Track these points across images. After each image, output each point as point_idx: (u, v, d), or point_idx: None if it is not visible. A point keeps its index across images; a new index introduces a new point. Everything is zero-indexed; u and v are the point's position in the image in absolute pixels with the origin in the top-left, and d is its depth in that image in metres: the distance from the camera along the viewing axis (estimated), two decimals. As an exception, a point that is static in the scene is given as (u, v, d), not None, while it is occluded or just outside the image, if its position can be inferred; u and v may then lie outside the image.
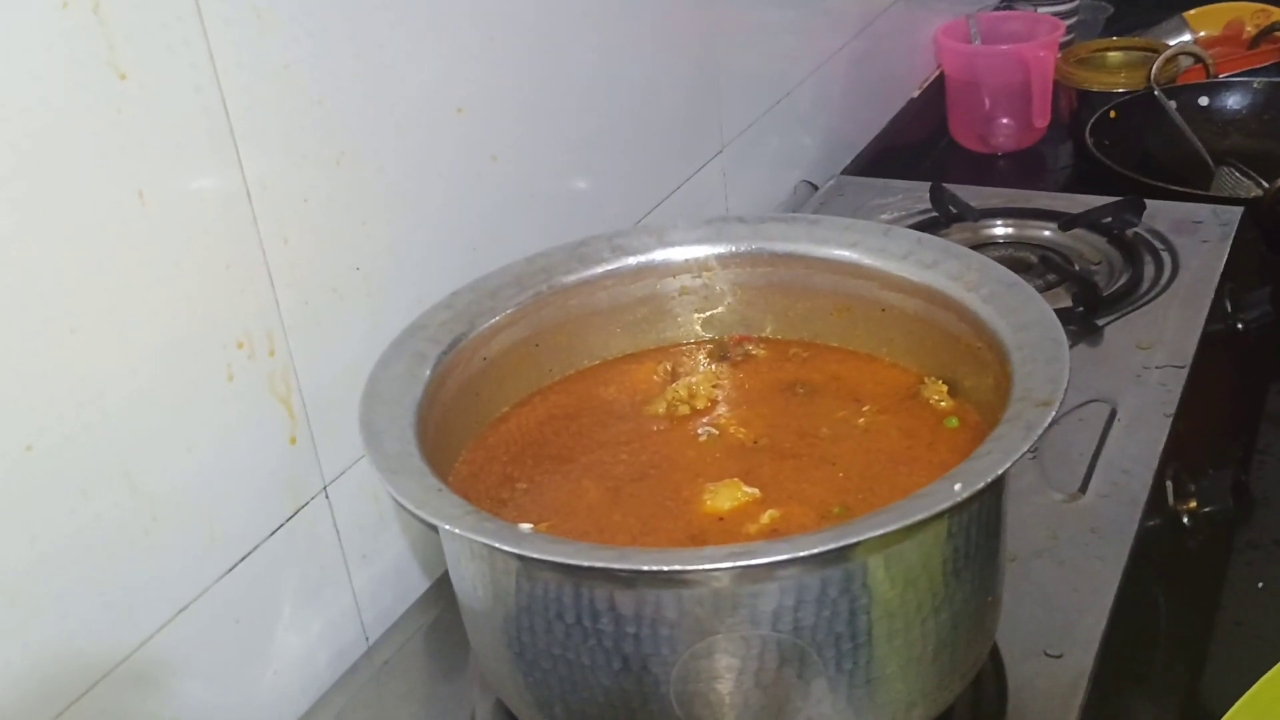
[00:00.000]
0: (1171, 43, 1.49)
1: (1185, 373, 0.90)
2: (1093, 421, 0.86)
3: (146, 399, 0.59)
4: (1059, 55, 1.44)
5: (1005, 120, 1.39)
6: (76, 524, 0.56)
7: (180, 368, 0.60)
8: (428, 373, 0.65)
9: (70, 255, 0.54)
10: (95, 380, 0.56)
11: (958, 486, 0.52)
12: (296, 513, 0.69)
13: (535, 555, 0.53)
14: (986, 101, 1.40)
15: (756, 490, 0.64)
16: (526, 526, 0.60)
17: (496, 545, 0.53)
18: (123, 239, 0.56)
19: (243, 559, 0.66)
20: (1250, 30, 1.54)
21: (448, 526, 0.54)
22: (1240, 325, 1.05)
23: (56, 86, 0.53)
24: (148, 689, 0.61)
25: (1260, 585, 0.84)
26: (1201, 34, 1.56)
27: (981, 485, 0.52)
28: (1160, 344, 0.94)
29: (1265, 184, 1.22)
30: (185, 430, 0.61)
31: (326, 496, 0.71)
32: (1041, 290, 1.01)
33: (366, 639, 0.75)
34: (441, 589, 0.77)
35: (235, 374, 0.63)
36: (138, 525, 0.59)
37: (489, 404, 0.72)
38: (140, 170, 0.57)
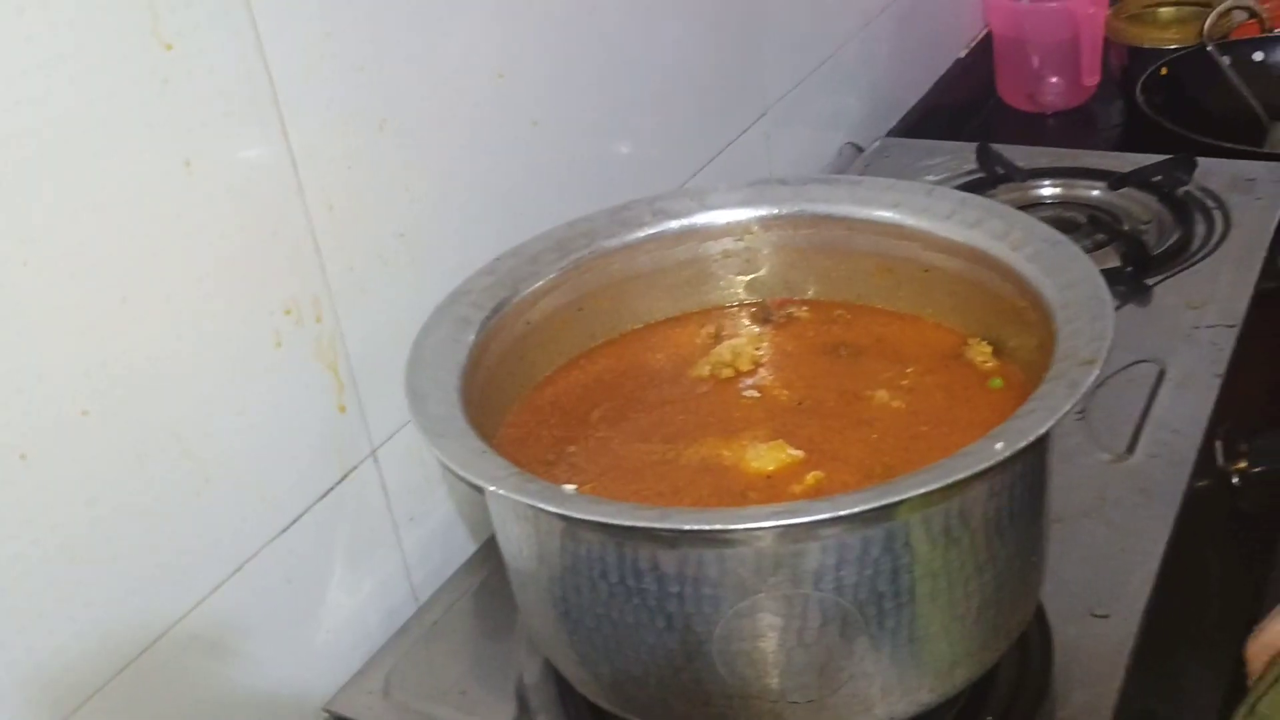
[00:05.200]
0: (1225, -4, 1.45)
1: (1236, 332, 0.89)
2: (1141, 382, 0.85)
3: (197, 365, 0.60)
4: (1109, 11, 1.41)
5: (1054, 79, 1.37)
6: (132, 487, 0.58)
7: (229, 334, 0.62)
8: (472, 338, 0.66)
9: (119, 225, 0.55)
10: (147, 347, 0.57)
11: (999, 445, 0.51)
12: (345, 476, 0.70)
13: (578, 515, 0.54)
14: (1035, 59, 1.38)
15: (800, 452, 0.64)
16: (570, 487, 0.61)
17: (540, 506, 0.54)
18: (170, 208, 0.57)
19: (294, 521, 0.67)
20: (1308, -18, 1.50)
21: (492, 488, 0.54)
22: (1294, 284, 1.03)
23: (103, 58, 0.53)
24: (204, 647, 0.63)
25: (1313, 546, 0.83)
26: (1256, -13, 1.52)
27: (1024, 444, 0.52)
28: (1211, 303, 0.93)
29: (1322, 140, 1.20)
30: (235, 395, 0.62)
31: (375, 460, 0.72)
32: (1090, 250, 1.00)
33: (416, 599, 0.77)
34: (489, 551, 0.78)
35: (283, 340, 0.64)
36: (191, 488, 0.61)
37: (533, 368, 0.73)
38: (186, 140, 0.57)
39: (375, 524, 0.73)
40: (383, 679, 0.71)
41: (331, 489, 0.69)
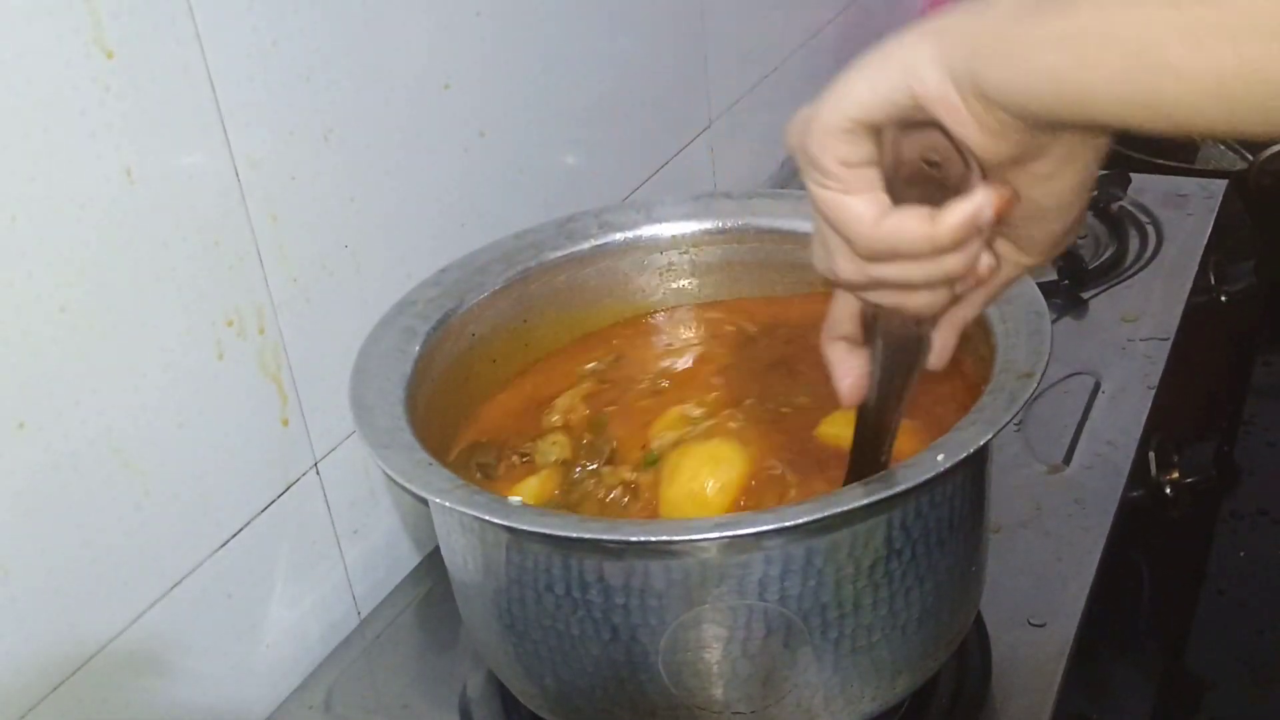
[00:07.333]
0: (1159, 16, 1.49)
1: (1169, 345, 0.91)
2: (1077, 394, 0.87)
3: (137, 376, 0.59)
4: (1046, 29, 1.43)
5: (993, 94, 1.39)
6: (69, 500, 0.57)
7: (170, 345, 0.61)
8: (417, 349, 0.66)
9: (59, 234, 0.55)
10: (86, 358, 0.57)
11: (940, 457, 0.52)
12: (288, 489, 0.69)
13: (524, 527, 0.54)
14: (974, 75, 1.40)
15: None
16: (516, 499, 0.61)
17: (486, 518, 0.54)
18: (111, 217, 0.57)
19: (235, 535, 0.66)
20: (1238, 3, 1.54)
21: (438, 500, 0.54)
22: (1224, 297, 1.06)
23: (43, 64, 0.53)
24: (141, 664, 0.62)
25: (1242, 554, 0.85)
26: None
27: (964, 455, 0.53)
28: (1145, 316, 0.95)
29: (1250, 157, 1.23)
30: (176, 407, 0.62)
31: (318, 472, 0.71)
32: (1027, 264, 1.02)
33: (359, 613, 0.76)
34: (433, 563, 0.78)
35: (225, 352, 0.64)
36: (130, 501, 0.60)
37: (479, 379, 0.72)
38: (128, 148, 0.57)
39: (317, 537, 0.72)
40: (324, 693, 0.70)
41: (273, 502, 0.69)
